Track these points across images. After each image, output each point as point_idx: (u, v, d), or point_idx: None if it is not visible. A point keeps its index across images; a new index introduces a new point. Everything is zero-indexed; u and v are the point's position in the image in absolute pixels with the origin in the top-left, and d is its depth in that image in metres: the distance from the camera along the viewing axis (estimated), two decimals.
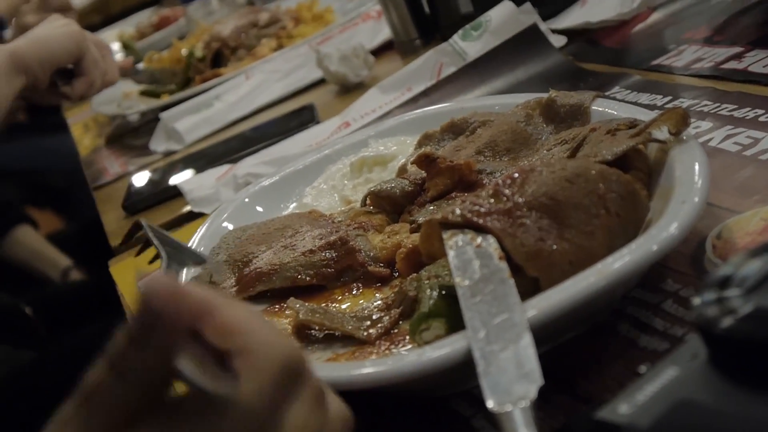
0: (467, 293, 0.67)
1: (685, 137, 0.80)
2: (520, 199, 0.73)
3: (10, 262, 2.63)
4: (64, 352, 1.96)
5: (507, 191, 0.74)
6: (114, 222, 1.56)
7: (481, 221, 0.72)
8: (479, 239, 0.72)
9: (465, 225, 0.73)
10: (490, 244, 0.71)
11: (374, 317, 0.79)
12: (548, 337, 0.68)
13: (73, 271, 2.61)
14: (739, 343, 0.47)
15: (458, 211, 0.74)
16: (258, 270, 0.94)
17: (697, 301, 0.50)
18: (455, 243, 0.72)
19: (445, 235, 0.74)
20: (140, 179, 1.67)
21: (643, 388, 0.50)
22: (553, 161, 0.81)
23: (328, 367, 0.73)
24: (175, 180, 1.53)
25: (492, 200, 0.74)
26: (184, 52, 2.35)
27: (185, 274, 0.97)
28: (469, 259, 0.70)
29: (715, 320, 0.48)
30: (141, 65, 2.50)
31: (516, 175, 0.75)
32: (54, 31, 1.66)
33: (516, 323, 0.63)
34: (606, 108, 0.95)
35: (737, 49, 1.13)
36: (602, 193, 0.73)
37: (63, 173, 3.11)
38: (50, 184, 3.16)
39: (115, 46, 3.04)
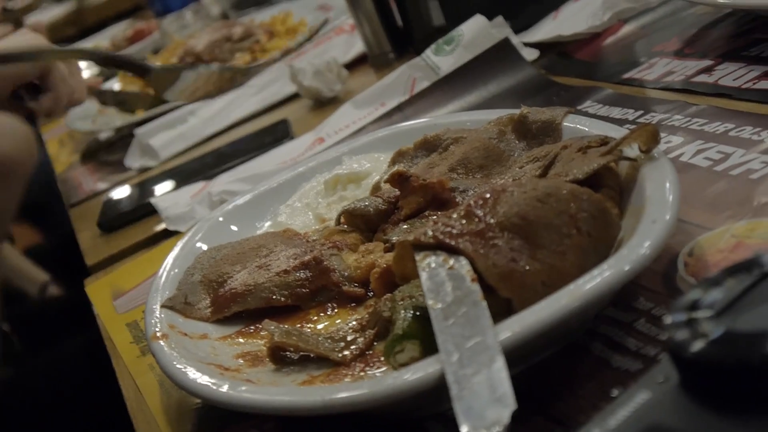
0: (440, 316, 0.68)
1: (655, 154, 0.80)
2: (492, 220, 0.73)
3: None
4: (39, 369, 1.95)
5: (479, 212, 0.74)
6: (89, 239, 1.56)
7: (453, 243, 0.72)
8: (452, 261, 0.72)
9: (437, 246, 0.73)
10: (463, 265, 0.71)
11: (349, 338, 0.79)
12: (521, 358, 0.68)
13: (51, 286, 2.60)
14: (710, 366, 0.47)
15: (430, 233, 0.74)
16: (233, 290, 0.94)
17: (667, 323, 0.50)
18: (428, 264, 0.73)
19: (418, 256, 0.74)
20: (115, 197, 1.67)
21: (615, 413, 0.50)
22: (525, 181, 0.81)
23: (303, 391, 0.73)
24: (150, 197, 1.53)
25: (464, 221, 0.74)
26: None
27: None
28: (442, 281, 0.70)
29: (686, 344, 0.48)
30: (113, 83, 2.49)
31: (488, 195, 0.76)
32: (18, 45, 1.63)
33: (489, 346, 0.63)
34: (577, 124, 0.96)
35: (707, 62, 1.13)
36: (573, 213, 0.73)
37: (40, 186, 3.10)
38: (27, 197, 3.15)
39: (84, 62, 3.03)
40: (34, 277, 2.63)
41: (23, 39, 1.67)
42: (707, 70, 1.11)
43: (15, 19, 3.63)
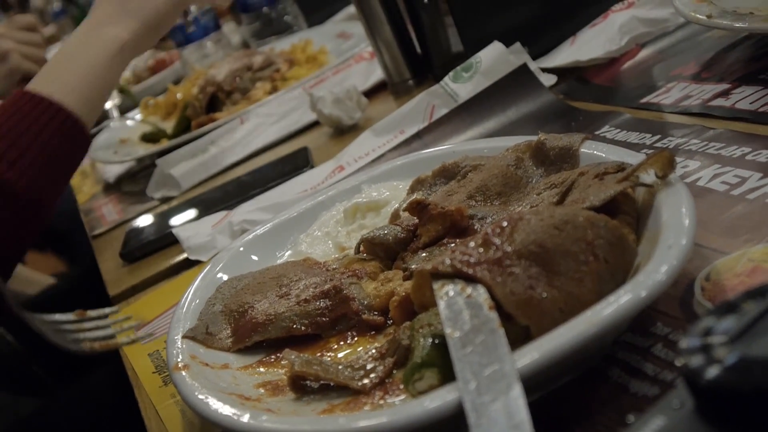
0: (458, 344, 0.68)
1: (672, 180, 0.81)
2: (509, 248, 0.73)
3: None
4: (64, 401, 1.96)
5: (496, 240, 0.74)
6: (112, 271, 1.56)
7: (470, 271, 0.72)
8: (469, 289, 0.72)
9: (455, 275, 0.74)
10: (480, 294, 0.71)
11: (368, 367, 0.80)
12: (539, 385, 0.68)
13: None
14: (725, 393, 0.48)
15: (448, 262, 0.74)
16: (253, 320, 0.94)
17: (682, 349, 0.51)
18: (446, 293, 0.73)
19: (436, 285, 0.75)
20: (137, 227, 1.68)
21: None
22: (541, 208, 0.81)
23: (323, 420, 0.74)
24: (171, 227, 1.53)
25: (481, 249, 0.74)
26: (178, 96, 2.36)
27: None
28: (460, 310, 0.71)
29: (701, 370, 0.49)
30: (135, 113, 2.52)
31: (505, 223, 0.76)
32: None
33: (506, 374, 0.63)
34: (594, 150, 0.96)
35: (724, 86, 1.14)
36: (590, 240, 0.74)
37: (64, 216, 3.12)
38: (52, 225, 3.17)
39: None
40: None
41: None
42: (724, 93, 1.12)
43: None
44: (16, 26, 2.31)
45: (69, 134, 1.48)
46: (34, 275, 2.85)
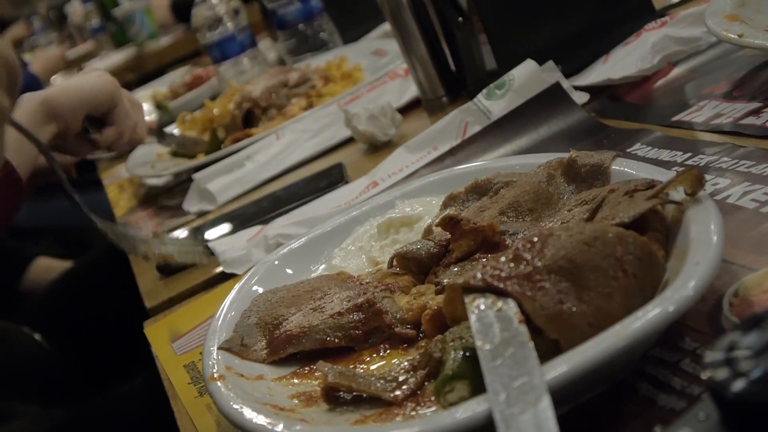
0: (488, 356, 0.69)
1: (701, 197, 0.82)
2: (540, 263, 0.75)
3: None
4: (99, 410, 1.97)
5: (527, 255, 0.76)
6: (149, 283, 1.58)
7: (501, 285, 0.74)
8: (500, 303, 0.73)
9: (486, 289, 0.75)
10: (511, 307, 0.73)
11: (400, 379, 0.81)
12: (568, 397, 0.70)
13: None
14: (750, 406, 0.49)
15: (479, 276, 0.76)
16: (288, 332, 0.96)
17: (708, 362, 0.52)
18: (477, 307, 0.74)
19: (467, 298, 0.76)
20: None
21: None
22: (572, 225, 0.82)
23: (356, 430, 0.75)
24: (207, 241, 1.55)
25: (512, 264, 0.76)
26: (215, 112, 2.38)
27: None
28: (490, 323, 0.72)
29: (726, 383, 0.50)
30: (172, 128, 2.54)
31: (535, 239, 0.77)
32: (87, 79, 1.67)
33: (535, 386, 0.64)
34: (625, 167, 0.97)
35: (756, 105, 1.14)
36: (620, 256, 0.75)
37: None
38: (87, 240, 3.21)
39: (148, 106, 3.09)
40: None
41: (92, 75, 1.71)
42: (755, 112, 1.12)
43: (77, 67, 3.72)
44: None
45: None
46: (53, 262, 2.90)
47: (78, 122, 1.63)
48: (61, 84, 1.64)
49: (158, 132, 2.22)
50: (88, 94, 1.63)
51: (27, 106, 1.58)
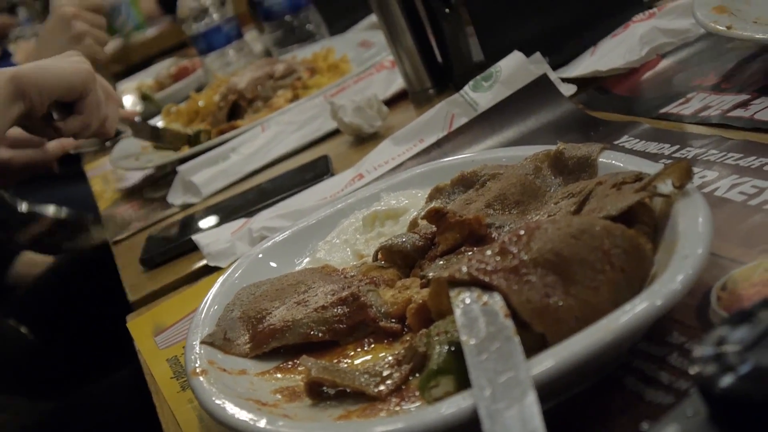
0: (473, 351, 0.68)
1: (689, 190, 0.81)
2: (526, 256, 0.74)
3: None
4: (81, 403, 1.96)
5: (513, 248, 0.75)
6: (133, 276, 1.57)
7: (487, 279, 0.73)
8: (485, 297, 0.72)
9: (471, 282, 0.74)
10: (496, 301, 0.72)
11: (385, 373, 0.80)
12: (554, 392, 0.69)
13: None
14: (739, 401, 0.48)
15: (464, 269, 0.75)
16: (271, 326, 0.95)
17: (696, 357, 0.51)
18: (462, 300, 0.73)
19: (453, 292, 0.75)
20: (158, 233, 1.69)
21: None
22: (559, 218, 0.82)
23: (340, 426, 0.74)
24: (192, 234, 1.54)
25: (498, 258, 0.75)
26: (200, 104, 2.37)
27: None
28: (476, 317, 0.71)
29: (715, 378, 0.49)
30: (156, 120, 2.53)
31: (522, 232, 0.76)
32: (63, 63, 1.61)
33: (521, 381, 0.63)
34: (613, 160, 0.96)
35: (744, 97, 1.14)
36: (607, 249, 0.74)
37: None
38: (72, 234, 3.21)
39: (130, 99, 3.08)
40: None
41: (70, 60, 1.65)
42: (743, 104, 1.12)
43: None
44: (85, 6, 2.31)
45: None
46: (37, 257, 2.89)
47: (44, 105, 1.55)
48: (36, 62, 1.55)
49: (132, 123, 2.17)
50: (60, 78, 1.55)
51: None
